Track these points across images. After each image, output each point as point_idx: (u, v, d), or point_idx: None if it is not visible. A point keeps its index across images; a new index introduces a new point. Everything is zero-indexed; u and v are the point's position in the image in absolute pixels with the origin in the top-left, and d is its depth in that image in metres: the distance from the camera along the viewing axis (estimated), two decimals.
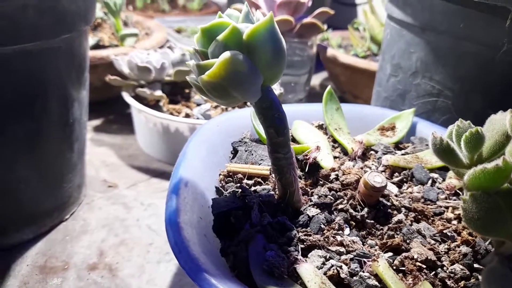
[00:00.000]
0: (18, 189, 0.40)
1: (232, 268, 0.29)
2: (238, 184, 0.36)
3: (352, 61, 0.73)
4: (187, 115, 0.57)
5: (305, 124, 0.46)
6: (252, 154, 0.40)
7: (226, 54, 0.25)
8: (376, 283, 0.27)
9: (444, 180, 0.40)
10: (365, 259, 0.29)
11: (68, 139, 0.43)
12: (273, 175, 0.33)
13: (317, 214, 0.32)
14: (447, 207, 0.36)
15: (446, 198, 0.37)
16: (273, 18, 0.27)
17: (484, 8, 0.39)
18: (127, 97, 0.57)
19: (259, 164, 0.39)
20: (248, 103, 0.58)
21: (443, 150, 0.27)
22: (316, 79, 1.00)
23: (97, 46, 0.69)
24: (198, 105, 0.60)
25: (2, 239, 0.42)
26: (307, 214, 0.33)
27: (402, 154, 0.43)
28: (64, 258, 0.43)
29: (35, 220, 0.44)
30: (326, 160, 0.40)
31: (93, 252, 0.44)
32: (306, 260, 0.28)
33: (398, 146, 0.46)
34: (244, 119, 0.45)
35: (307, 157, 0.39)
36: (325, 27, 0.67)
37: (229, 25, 0.27)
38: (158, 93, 0.57)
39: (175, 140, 0.56)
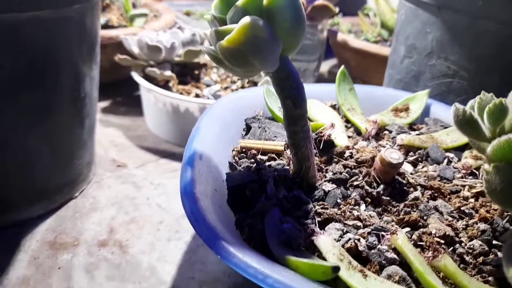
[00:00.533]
0: (30, 163, 0.40)
1: (247, 241, 0.29)
2: (252, 160, 0.35)
3: (363, 46, 0.73)
4: (197, 95, 0.56)
5: (318, 103, 0.45)
6: (266, 131, 0.39)
7: (246, 19, 0.25)
8: (395, 256, 0.27)
9: (459, 160, 0.39)
10: (383, 233, 0.28)
11: (79, 114, 0.43)
12: (289, 149, 0.33)
13: (333, 189, 0.32)
14: (463, 186, 0.36)
15: (462, 177, 0.37)
16: None
17: None
18: (136, 76, 0.57)
19: (273, 141, 0.38)
20: (260, 80, 0.57)
21: (466, 122, 0.27)
22: (325, 66, 0.99)
23: (106, 26, 0.68)
24: (208, 86, 0.59)
25: (14, 214, 0.42)
26: (323, 189, 0.32)
27: (417, 135, 0.43)
28: (74, 234, 0.43)
29: (46, 196, 0.43)
30: (340, 138, 0.40)
31: (103, 229, 0.44)
32: (323, 233, 0.28)
33: (412, 127, 0.45)
34: (257, 98, 0.44)
35: (322, 134, 0.38)
36: (337, 10, 0.66)
37: None
38: (168, 73, 0.56)
39: (184, 120, 0.55)
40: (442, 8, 0.45)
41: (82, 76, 0.40)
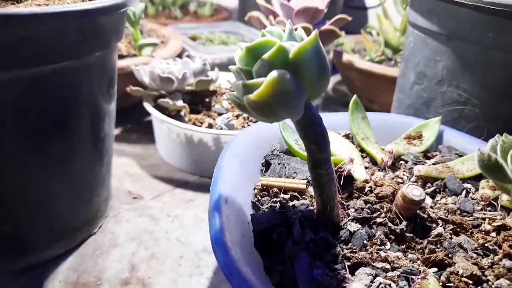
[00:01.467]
0: (51, 206, 0.40)
1: (277, 286, 0.29)
2: (276, 199, 0.36)
3: (368, 67, 0.73)
4: (210, 125, 0.57)
5: (333, 135, 0.46)
6: (285, 167, 0.40)
7: (274, 74, 0.25)
8: None
9: (477, 190, 0.40)
10: (412, 276, 0.29)
11: (99, 153, 0.43)
12: (313, 190, 0.33)
13: (358, 230, 0.33)
14: (483, 219, 0.36)
15: (481, 209, 0.37)
16: (318, 36, 0.27)
17: None
18: (149, 107, 0.57)
19: (293, 178, 0.39)
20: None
21: (492, 167, 0.27)
22: (329, 84, 1.00)
23: None
24: (220, 114, 0.60)
25: (34, 256, 0.42)
26: (348, 230, 0.33)
27: (433, 164, 0.43)
28: (96, 273, 0.43)
29: (66, 235, 0.44)
30: (359, 171, 0.40)
31: (124, 266, 0.44)
32: (354, 279, 0.28)
33: (426, 155, 0.46)
34: (272, 130, 0.45)
35: (341, 170, 0.39)
36: (342, 33, 0.67)
37: (274, 43, 0.27)
38: (180, 103, 0.57)
39: (198, 150, 0.56)
40: (452, 38, 0.46)
41: (102, 116, 0.41)
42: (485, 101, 0.46)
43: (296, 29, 0.30)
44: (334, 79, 1.02)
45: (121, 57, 0.69)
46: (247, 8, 1.04)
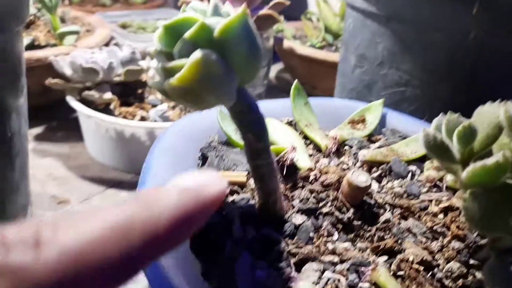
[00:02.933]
0: None
1: None
2: None
3: (309, 53, 0.72)
4: (143, 118, 0.52)
5: (275, 123, 0.43)
6: (224, 160, 0.36)
7: (197, 54, 0.22)
8: None
9: (421, 171, 0.39)
10: (362, 268, 0.27)
11: (7, 156, 0.37)
12: (254, 183, 0.30)
13: (304, 222, 0.30)
14: (430, 201, 0.35)
15: (428, 191, 0.36)
16: (247, 11, 0.24)
17: None
18: (72, 101, 0.51)
19: (233, 170, 0.35)
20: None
21: (438, 147, 0.26)
22: (272, 71, 0.98)
23: (32, 46, 0.61)
24: (154, 106, 0.55)
25: None
26: (293, 223, 0.30)
27: (377, 148, 0.42)
28: None
29: None
30: (303, 160, 0.38)
31: None
32: (300, 277, 0.25)
33: (370, 139, 0.45)
34: (210, 120, 0.41)
35: (284, 159, 0.36)
36: (281, 18, 0.64)
37: (197, 20, 0.23)
38: (108, 95, 0.52)
39: (131, 146, 0.51)
40: (390, 19, 0.44)
41: (8, 113, 0.35)
42: (425, 83, 0.45)
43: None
44: (277, 67, 1.00)
45: (40, 47, 0.62)
46: None
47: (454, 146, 0.27)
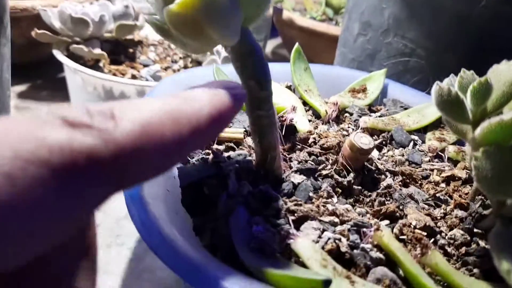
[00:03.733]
0: None
1: (210, 248, 0.24)
2: (208, 151, 0.31)
3: (310, 24, 0.69)
4: (134, 77, 0.49)
5: (274, 84, 0.41)
6: None
7: None
8: (381, 255, 0.24)
9: (423, 142, 0.38)
10: (364, 229, 0.25)
11: None
12: (252, 137, 0.28)
13: (303, 181, 0.28)
14: (432, 170, 0.34)
15: (429, 161, 0.35)
16: None
17: None
18: (59, 55, 0.48)
19: (229, 127, 0.34)
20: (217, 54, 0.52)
21: (451, 102, 0.24)
22: (268, 46, 0.95)
23: None
24: (146, 66, 0.53)
25: None
26: (292, 182, 0.28)
27: (379, 116, 0.40)
28: None
29: None
30: (302, 122, 0.36)
31: None
32: (300, 234, 0.24)
33: (370, 108, 0.43)
34: (205, 78, 0.39)
35: (283, 119, 0.34)
36: None
37: None
38: (98, 51, 0.49)
39: None
40: None
41: None
42: (430, 52, 0.43)
43: None
44: (273, 42, 0.98)
45: None
46: None
47: (468, 104, 0.25)
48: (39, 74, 0.64)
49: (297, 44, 0.44)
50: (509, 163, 0.23)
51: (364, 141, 0.30)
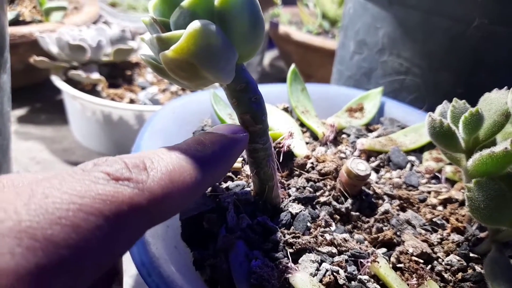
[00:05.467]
0: None
1: (209, 283, 0.24)
2: None
3: (306, 39, 0.70)
4: (132, 101, 0.50)
5: (271, 107, 0.41)
6: None
7: (196, 24, 0.20)
8: (378, 286, 0.24)
9: (420, 162, 0.38)
10: (361, 260, 0.25)
11: None
12: (249, 168, 0.29)
13: (301, 211, 0.29)
14: (429, 192, 0.34)
15: (427, 182, 0.35)
16: None
17: None
18: (57, 81, 0.49)
19: None
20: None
21: (443, 134, 0.24)
22: (265, 59, 0.95)
23: (17, 22, 0.58)
24: (143, 88, 0.53)
25: None
26: (290, 212, 0.29)
27: (376, 137, 0.41)
28: None
29: None
30: (299, 147, 0.36)
31: None
32: (297, 268, 0.24)
33: (368, 128, 0.44)
34: (203, 103, 0.39)
35: (280, 145, 0.34)
36: (279, 1, 0.62)
37: None
38: (96, 76, 0.49)
39: (119, 129, 0.49)
40: (393, 3, 0.43)
41: None
42: (425, 71, 0.44)
43: None
44: (271, 54, 0.98)
45: (24, 23, 0.59)
46: None
47: (460, 133, 0.26)
48: (38, 97, 0.64)
49: (293, 66, 0.44)
50: (501, 194, 0.23)
51: (361, 167, 0.31)
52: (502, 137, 0.27)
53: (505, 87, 0.27)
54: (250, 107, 0.25)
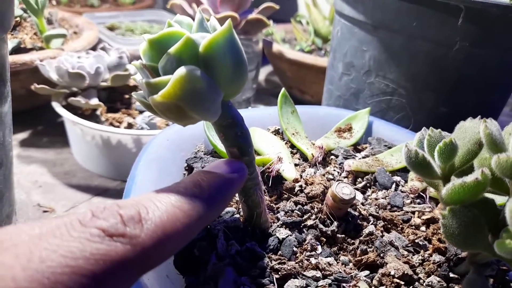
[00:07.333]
0: None
1: None
2: None
3: (298, 57, 0.72)
4: (130, 125, 0.52)
5: (262, 132, 0.43)
6: None
7: (182, 71, 0.22)
8: None
9: (406, 182, 0.40)
10: (344, 284, 0.27)
11: None
12: (238, 196, 0.30)
13: (287, 236, 0.30)
14: (413, 212, 0.36)
15: (411, 202, 0.37)
16: (232, 26, 0.24)
17: (437, 6, 0.39)
18: (58, 107, 0.51)
19: None
20: None
21: (419, 164, 0.26)
22: (261, 74, 0.97)
23: (18, 50, 0.60)
24: (141, 112, 0.55)
25: None
26: (277, 237, 0.30)
27: (363, 157, 0.42)
28: None
29: None
30: (288, 170, 0.38)
31: None
32: None
33: (356, 148, 0.45)
34: (196, 130, 0.41)
35: (270, 170, 0.36)
36: (270, 22, 0.64)
37: (182, 35, 0.23)
38: (95, 101, 0.51)
39: (117, 153, 0.50)
40: (378, 28, 0.45)
41: None
42: (410, 92, 0.46)
43: (208, 20, 0.26)
44: (266, 69, 1.00)
45: (25, 50, 0.61)
46: None
47: (436, 162, 0.27)
48: (39, 120, 0.66)
49: (283, 90, 0.46)
50: (474, 220, 0.25)
51: (346, 191, 0.32)
52: (479, 162, 0.28)
53: (479, 116, 0.28)
54: (237, 141, 0.27)
